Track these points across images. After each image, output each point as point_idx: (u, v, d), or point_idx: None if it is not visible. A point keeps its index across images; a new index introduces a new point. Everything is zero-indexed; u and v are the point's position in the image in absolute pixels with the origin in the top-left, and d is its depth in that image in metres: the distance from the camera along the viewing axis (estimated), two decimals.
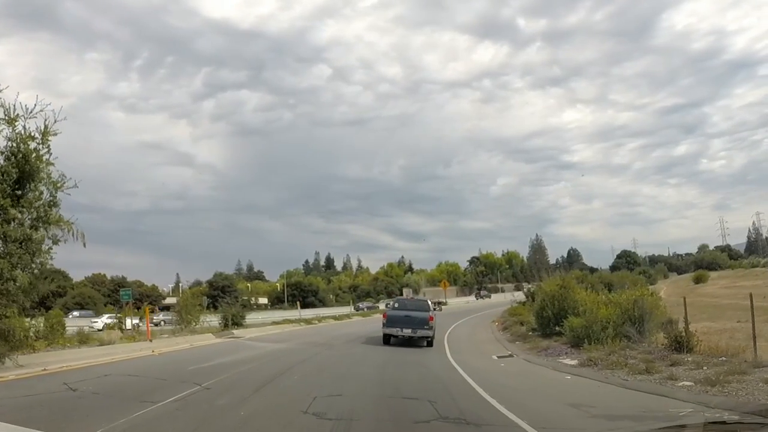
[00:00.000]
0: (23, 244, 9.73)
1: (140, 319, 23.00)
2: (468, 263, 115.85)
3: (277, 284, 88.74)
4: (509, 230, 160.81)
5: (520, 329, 21.67)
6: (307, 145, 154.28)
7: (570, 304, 16.75)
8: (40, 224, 10.07)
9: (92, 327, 25.89)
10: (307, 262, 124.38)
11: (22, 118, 9.92)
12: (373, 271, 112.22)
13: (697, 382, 8.74)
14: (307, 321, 33.74)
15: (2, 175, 9.64)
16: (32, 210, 10.02)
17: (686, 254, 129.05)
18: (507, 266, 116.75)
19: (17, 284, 9.54)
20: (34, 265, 10.09)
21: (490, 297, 77.42)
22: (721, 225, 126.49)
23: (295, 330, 27.30)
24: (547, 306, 17.91)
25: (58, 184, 10.38)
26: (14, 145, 9.89)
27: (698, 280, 57.60)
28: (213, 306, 40.32)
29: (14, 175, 9.75)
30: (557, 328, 16.51)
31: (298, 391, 8.47)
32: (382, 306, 53.54)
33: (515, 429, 6.24)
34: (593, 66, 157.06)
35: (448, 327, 25.61)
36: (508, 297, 57.53)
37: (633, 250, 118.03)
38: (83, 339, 16.44)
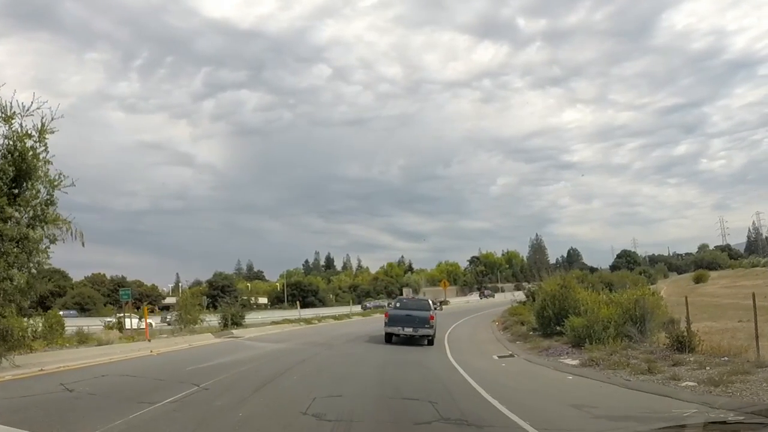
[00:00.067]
0: (20, 243, 9.66)
1: (140, 319, 22.90)
2: (468, 263, 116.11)
3: (277, 284, 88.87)
4: (509, 230, 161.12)
5: (521, 329, 21.56)
6: (307, 145, 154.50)
7: (571, 303, 16.66)
8: (38, 223, 10.00)
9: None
10: (306, 261, 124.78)
11: (19, 116, 9.85)
12: (373, 270, 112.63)
13: (701, 382, 8.66)
14: (307, 321, 33.61)
15: None
16: (29, 208, 9.95)
17: (686, 254, 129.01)
18: (507, 266, 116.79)
19: (14, 284, 9.48)
20: (31, 265, 10.01)
21: (494, 296, 77.34)
22: (721, 225, 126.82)
23: (294, 330, 27.20)
24: (548, 305, 17.83)
25: (56, 183, 10.30)
26: (11, 143, 9.83)
27: (698, 280, 57.49)
28: (213, 306, 40.20)
29: (11, 174, 9.70)
30: (558, 328, 16.44)
31: (298, 391, 8.40)
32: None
33: (517, 430, 6.17)
34: (593, 66, 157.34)
35: (449, 327, 25.52)
36: (508, 297, 57.52)
37: (633, 250, 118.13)
38: (82, 339, 16.37)
